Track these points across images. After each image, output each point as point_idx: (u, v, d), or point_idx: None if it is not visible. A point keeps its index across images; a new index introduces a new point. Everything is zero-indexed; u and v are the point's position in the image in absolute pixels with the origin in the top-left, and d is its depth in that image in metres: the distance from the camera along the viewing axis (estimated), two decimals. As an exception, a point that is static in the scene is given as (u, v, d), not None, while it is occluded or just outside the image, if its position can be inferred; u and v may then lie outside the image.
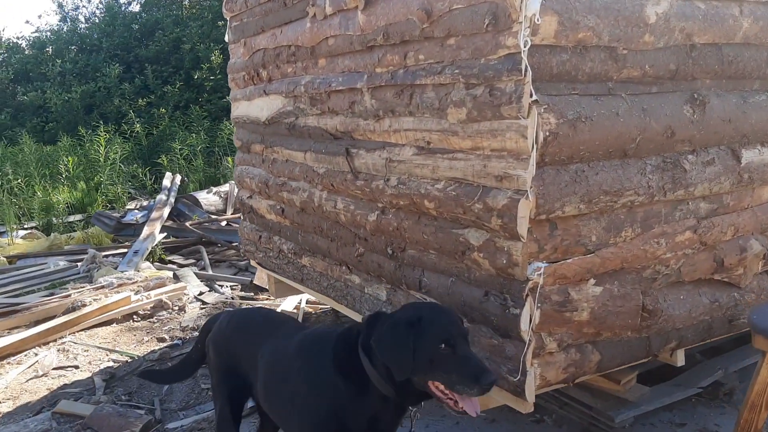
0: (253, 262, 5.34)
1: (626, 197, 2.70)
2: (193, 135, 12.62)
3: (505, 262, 2.60)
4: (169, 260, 7.35)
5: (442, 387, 2.21)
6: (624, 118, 2.63)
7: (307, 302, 5.61)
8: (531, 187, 2.48)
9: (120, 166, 10.72)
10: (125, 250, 7.24)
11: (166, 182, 9.61)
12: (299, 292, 4.83)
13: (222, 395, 2.79)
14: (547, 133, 2.47)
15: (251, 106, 4.78)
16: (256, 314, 2.97)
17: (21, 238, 8.16)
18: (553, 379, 2.71)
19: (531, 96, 2.44)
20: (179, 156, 11.64)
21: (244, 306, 5.72)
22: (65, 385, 4.33)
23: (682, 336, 3.03)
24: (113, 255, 7.18)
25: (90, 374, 4.47)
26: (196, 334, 5.20)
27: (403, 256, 3.26)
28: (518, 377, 2.62)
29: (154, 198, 10.33)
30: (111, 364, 4.64)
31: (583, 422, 3.49)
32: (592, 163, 2.62)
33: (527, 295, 2.58)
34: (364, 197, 3.52)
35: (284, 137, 4.40)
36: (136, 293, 5.69)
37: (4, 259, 7.32)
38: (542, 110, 2.46)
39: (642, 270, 2.84)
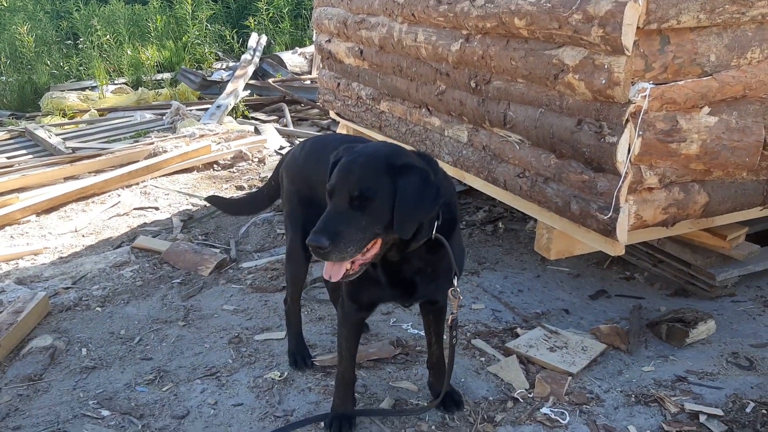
0: (332, 113, 5.13)
1: (757, 8, 2.25)
2: (280, -4, 12.24)
3: (604, 82, 2.24)
4: (252, 117, 7.25)
5: None
6: None
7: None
8: (642, -13, 2.07)
9: (207, 26, 10.56)
10: (209, 106, 7.18)
11: (251, 42, 9.40)
12: (379, 144, 4.61)
13: (295, 224, 2.63)
14: None
15: (330, -63, 4.40)
16: (331, 139, 2.74)
17: (111, 92, 8.25)
18: (651, 219, 2.39)
19: None
20: (266, 17, 11.37)
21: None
22: (145, 224, 4.37)
23: (808, 182, 2.61)
24: (197, 109, 7.14)
25: (169, 215, 4.49)
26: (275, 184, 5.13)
27: (488, 89, 2.94)
28: (609, 214, 2.33)
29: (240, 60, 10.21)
30: (189, 207, 4.64)
31: (679, 280, 3.19)
32: (718, -38, 2.17)
33: (627, 121, 2.23)
34: (447, 25, 3.17)
35: (363, -32, 4.03)
36: (217, 144, 5.63)
37: (95, 111, 7.43)
38: None
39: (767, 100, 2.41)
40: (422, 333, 2.90)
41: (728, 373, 2.53)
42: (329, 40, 4.73)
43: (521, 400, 2.43)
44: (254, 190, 4.93)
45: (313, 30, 11.60)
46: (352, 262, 1.91)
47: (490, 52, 2.84)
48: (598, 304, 3.12)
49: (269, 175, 5.18)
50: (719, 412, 2.32)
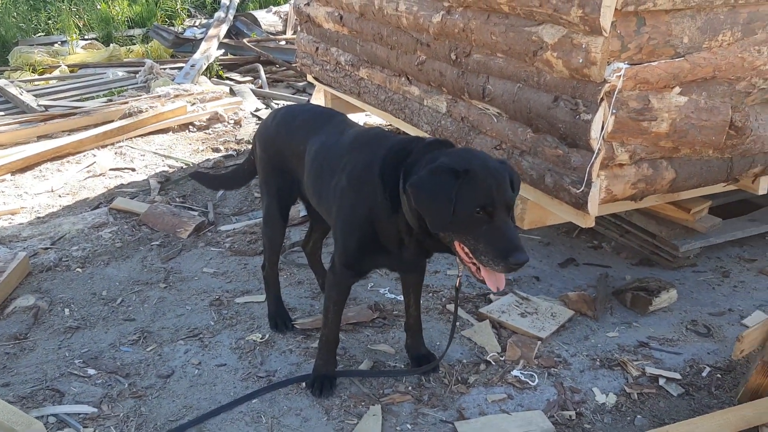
0: (309, 77, 5.14)
1: (731, -7, 2.33)
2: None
3: (581, 61, 2.33)
4: (227, 77, 7.20)
5: (467, 250, 1.99)
6: None
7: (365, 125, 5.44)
8: (621, -29, 2.15)
9: (179, -20, 10.38)
10: (182, 65, 7.11)
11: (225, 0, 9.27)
12: (357, 111, 4.64)
13: (269, 190, 2.70)
14: None
15: None
16: (303, 109, 2.79)
17: (81, 48, 8.10)
18: (620, 193, 2.51)
19: None
20: (239, -26, 11.18)
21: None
22: (121, 185, 4.38)
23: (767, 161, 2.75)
24: (171, 68, 7.07)
25: (146, 177, 4.50)
26: (251, 147, 5.15)
27: (468, 62, 3.00)
28: (582, 188, 2.43)
29: (213, 17, 10.05)
30: (166, 169, 4.65)
31: (644, 251, 3.34)
32: (696, -53, 2.25)
33: (602, 99, 2.33)
34: (428, -5, 3.21)
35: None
36: (192, 105, 5.61)
37: (65, 67, 7.30)
38: None
39: (736, 82, 2.52)
40: (399, 298, 3.01)
41: (687, 339, 2.69)
42: (308, 3, 4.71)
43: (493, 363, 2.56)
44: (231, 152, 4.97)
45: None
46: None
47: (471, 25, 2.90)
48: (567, 272, 3.26)
49: (245, 138, 5.23)
50: (677, 375, 2.47)
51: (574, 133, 2.43)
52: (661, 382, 2.45)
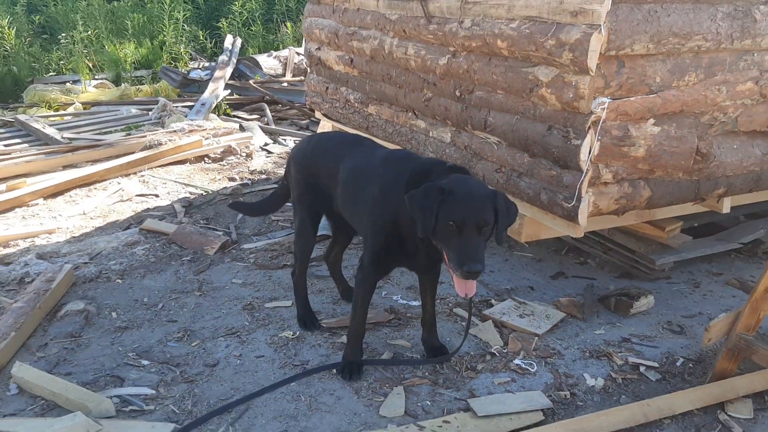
0: (318, 114, 5.59)
1: (694, 41, 2.82)
2: (252, 1, 12.62)
3: (571, 96, 2.79)
4: (234, 115, 7.65)
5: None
6: (701, -39, 2.71)
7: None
8: (605, 22, 2.62)
9: (183, 26, 10.89)
10: (192, 103, 7.56)
11: (227, 44, 9.77)
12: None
13: (303, 206, 3.11)
14: (625, -29, 2.58)
15: (325, -45, 4.87)
16: (334, 135, 3.25)
17: (93, 87, 8.53)
18: (605, 208, 2.95)
19: (613, -68, 2.54)
20: (238, 20, 11.74)
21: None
22: (148, 209, 4.76)
23: (730, 183, 3.21)
24: (181, 107, 7.51)
25: (169, 202, 4.88)
26: (264, 177, 5.58)
27: (471, 98, 3.46)
28: (573, 203, 2.87)
29: (214, 60, 10.56)
30: (188, 195, 5.05)
31: (624, 265, 3.77)
32: (665, 5, 2.74)
33: (589, 128, 2.78)
34: (435, 41, 3.68)
35: (357, -14, 4.52)
36: (206, 139, 6.03)
37: (79, 104, 7.72)
38: (623, -53, 2.56)
39: (700, 115, 3.00)
40: (410, 303, 3.42)
41: (663, 336, 3.11)
42: (319, 48, 5.19)
43: (497, 354, 2.96)
44: (246, 181, 5.38)
45: (283, 35, 12.01)
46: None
47: (474, 67, 3.36)
48: (558, 283, 3.67)
49: (258, 168, 5.66)
50: (655, 364, 2.88)
51: (566, 156, 2.88)
52: (642, 369, 2.85)
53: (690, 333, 3.13)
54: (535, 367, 2.86)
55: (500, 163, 3.31)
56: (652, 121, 2.90)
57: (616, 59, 2.74)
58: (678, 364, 2.90)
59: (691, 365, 2.89)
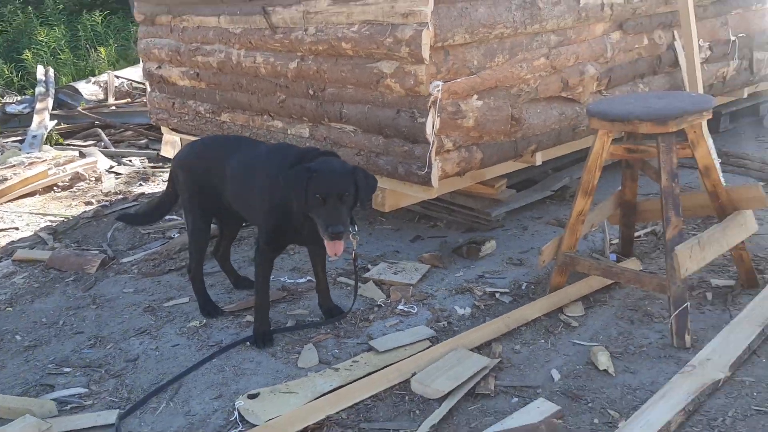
0: (164, 130, 5.81)
1: (498, 29, 3.55)
2: (54, 29, 12.21)
3: (412, 82, 3.40)
4: (68, 144, 7.56)
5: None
6: (495, -34, 3.43)
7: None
8: (430, 20, 3.25)
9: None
10: (20, 138, 7.37)
11: (40, 75, 9.47)
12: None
13: (194, 206, 3.45)
14: (440, -22, 3.23)
15: (157, -21, 5.13)
16: (215, 138, 3.64)
17: None
18: (450, 171, 3.60)
19: (427, -52, 3.17)
20: (46, 50, 11.33)
21: (157, 173, 6.25)
22: (12, 242, 4.77)
23: (539, 140, 4.00)
24: (11, 141, 7.30)
25: (33, 232, 4.91)
26: (120, 197, 5.71)
27: (324, 95, 3.97)
28: (425, 170, 3.48)
29: (25, 93, 10.18)
30: (49, 223, 5.09)
31: (467, 221, 4.48)
32: (473, 2, 3.43)
33: (430, 107, 3.40)
34: (283, 49, 4.15)
35: (193, 5, 4.84)
36: (50, 168, 6.01)
37: None
38: (436, -40, 3.20)
39: (510, 88, 3.74)
40: (297, 281, 3.86)
41: (508, 269, 3.82)
42: (160, 67, 5.43)
43: (383, 305, 3.50)
44: (104, 203, 5.48)
45: (95, 61, 11.74)
46: None
47: (324, 67, 3.88)
48: (417, 244, 4.30)
49: (112, 190, 5.77)
50: (506, 290, 3.57)
51: (415, 133, 3.49)
52: (497, 295, 3.53)
53: (528, 263, 3.87)
54: (416, 309, 3.44)
55: (359, 147, 3.86)
56: (476, 96, 3.59)
57: (443, 49, 3.39)
58: (523, 287, 3.61)
59: (533, 286, 3.62)
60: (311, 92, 4.03)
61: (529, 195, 4.61)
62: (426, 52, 3.29)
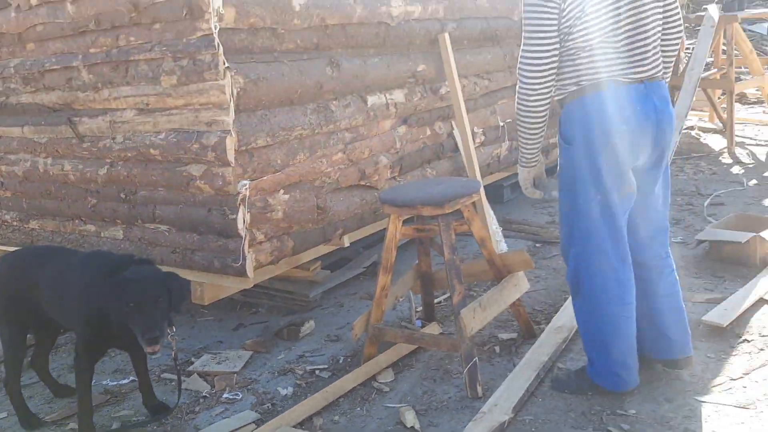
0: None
1: (296, 132, 3.96)
2: None
3: (221, 183, 3.68)
4: None
5: None
6: (288, 77, 3.87)
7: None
8: (232, 128, 3.58)
9: None
10: None
11: None
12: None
13: (9, 320, 3.43)
14: (239, 89, 3.60)
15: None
16: (26, 251, 3.64)
17: None
18: (264, 260, 3.88)
19: (224, 64, 3.53)
20: None
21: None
22: None
23: (345, 225, 4.43)
24: None
25: None
26: None
27: (136, 198, 4.13)
28: (240, 262, 3.74)
29: None
30: None
31: (287, 305, 4.75)
32: (271, 109, 3.82)
33: (240, 204, 3.70)
34: (91, 156, 4.27)
35: (-7, 117, 4.82)
36: None
37: None
38: (233, 73, 3.57)
39: (313, 181, 4.14)
40: (120, 382, 3.90)
41: (326, 346, 4.13)
42: (-42, 177, 5.26)
43: (208, 396, 3.65)
44: None
45: None
46: None
47: (134, 172, 4.06)
48: (240, 332, 4.49)
49: None
50: (326, 366, 3.87)
51: (227, 229, 3.75)
52: (317, 372, 3.81)
53: (344, 339, 4.21)
54: (240, 395, 3.62)
55: (174, 245, 4.04)
56: (282, 191, 3.94)
57: (247, 152, 3.73)
58: (341, 361, 3.93)
59: (349, 359, 3.94)
60: (123, 195, 4.17)
61: (343, 273, 5.00)
62: (231, 156, 3.60)
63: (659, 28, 2.97)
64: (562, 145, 3.10)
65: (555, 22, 2.84)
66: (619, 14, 2.85)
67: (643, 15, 2.89)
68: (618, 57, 2.89)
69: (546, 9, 2.83)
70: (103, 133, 4.15)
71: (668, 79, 3.16)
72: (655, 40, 2.95)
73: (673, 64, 3.19)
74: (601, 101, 2.92)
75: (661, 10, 2.96)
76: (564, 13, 2.82)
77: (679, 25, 3.09)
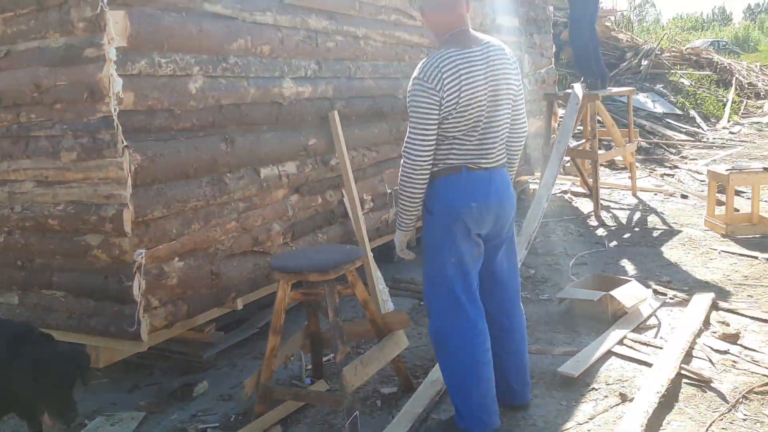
0: None
1: (191, 203, 4.26)
2: None
3: (118, 252, 3.91)
4: None
5: None
6: (184, 153, 4.19)
7: None
8: (129, 201, 3.85)
9: None
10: None
11: None
12: None
13: None
14: (136, 166, 3.88)
15: None
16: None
17: None
18: (159, 324, 4.11)
19: (123, 143, 3.81)
20: None
21: None
22: None
23: (239, 289, 4.71)
24: None
25: None
26: None
27: (33, 265, 4.28)
28: (135, 327, 3.96)
29: None
30: None
31: (182, 366, 4.95)
32: (168, 183, 4.11)
33: (135, 272, 3.93)
34: (-12, 225, 4.39)
35: None
36: None
37: None
38: (131, 151, 3.85)
39: (208, 248, 4.43)
40: (13, 448, 3.98)
41: (219, 405, 4.35)
42: None
43: (102, 457, 3.80)
44: None
45: None
46: None
47: (32, 241, 4.21)
48: (136, 394, 4.63)
49: None
50: (218, 424, 4.09)
51: (123, 296, 3.97)
52: (209, 431, 4.04)
53: (236, 397, 4.45)
54: (134, 455, 3.80)
55: (71, 311, 4.20)
56: (177, 258, 4.20)
57: (144, 223, 3.99)
58: (232, 419, 4.17)
59: (240, 417, 4.19)
60: (20, 263, 4.31)
61: (237, 334, 5.25)
62: (128, 227, 3.85)
63: (507, 129, 3.65)
64: (426, 214, 3.63)
65: (436, 111, 3.42)
66: (481, 115, 3.43)
67: (496, 117, 3.51)
68: (472, 148, 3.49)
69: (429, 102, 3.40)
70: (1, 202, 4.30)
71: (514, 170, 3.81)
72: (502, 138, 3.62)
73: (518, 156, 3.84)
74: (457, 181, 3.49)
75: (509, 113, 3.57)
76: (442, 106, 3.36)
77: (523, 126, 3.80)
